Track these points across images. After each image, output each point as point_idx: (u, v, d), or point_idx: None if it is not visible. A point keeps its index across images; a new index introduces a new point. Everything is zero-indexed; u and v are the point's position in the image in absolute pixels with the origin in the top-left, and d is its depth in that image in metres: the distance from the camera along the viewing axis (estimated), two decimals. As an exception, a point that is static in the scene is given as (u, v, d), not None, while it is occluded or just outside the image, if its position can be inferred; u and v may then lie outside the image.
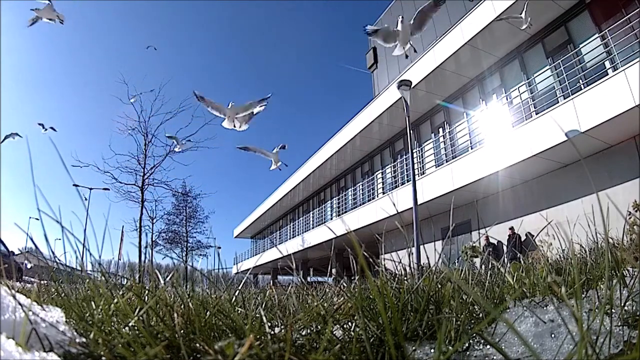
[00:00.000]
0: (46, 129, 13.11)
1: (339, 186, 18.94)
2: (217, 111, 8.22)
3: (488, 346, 0.70)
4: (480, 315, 0.87)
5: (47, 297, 1.14)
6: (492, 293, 1.06)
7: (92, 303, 0.82)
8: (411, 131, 8.63)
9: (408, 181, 11.98)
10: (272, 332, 0.68)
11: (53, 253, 0.97)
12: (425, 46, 11.49)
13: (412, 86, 8.62)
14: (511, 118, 9.65)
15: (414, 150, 9.42)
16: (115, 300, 0.77)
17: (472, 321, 0.83)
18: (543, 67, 9.35)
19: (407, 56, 7.67)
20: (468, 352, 0.70)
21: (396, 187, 13.36)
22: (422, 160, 12.84)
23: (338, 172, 18.52)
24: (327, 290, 1.38)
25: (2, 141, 11.81)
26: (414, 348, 0.67)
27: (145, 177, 13.34)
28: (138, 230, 13.42)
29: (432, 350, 0.67)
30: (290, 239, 22.13)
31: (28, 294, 0.72)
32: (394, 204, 11.60)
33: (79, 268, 0.94)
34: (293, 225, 23.52)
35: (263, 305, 1.02)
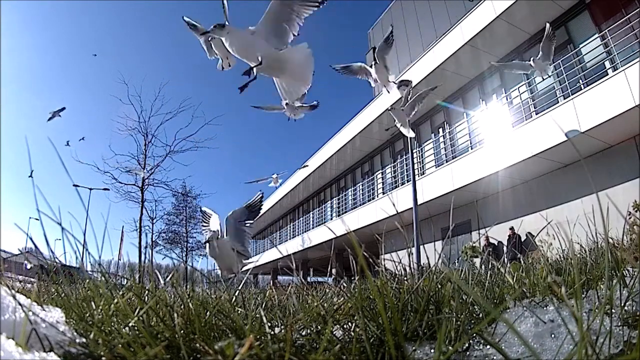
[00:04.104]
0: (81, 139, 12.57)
1: (339, 186, 18.93)
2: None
3: (488, 346, 0.70)
4: (480, 315, 0.87)
5: (47, 298, 1.14)
6: (492, 293, 1.06)
7: (92, 303, 0.82)
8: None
9: (408, 181, 11.98)
10: (272, 332, 0.68)
11: (53, 253, 0.97)
12: (425, 46, 11.49)
13: (411, 86, 8.62)
14: (511, 118, 9.65)
15: (414, 151, 9.42)
16: (115, 301, 0.77)
17: (472, 321, 0.83)
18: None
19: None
20: (468, 352, 0.70)
21: (396, 187, 13.36)
22: (422, 160, 12.84)
23: (338, 173, 18.51)
24: (327, 290, 1.38)
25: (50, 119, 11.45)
26: (414, 348, 0.67)
27: (145, 177, 13.35)
28: (138, 230, 13.44)
29: (432, 351, 0.67)
30: (290, 239, 22.13)
31: (28, 294, 0.72)
32: (394, 204, 11.60)
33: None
34: (293, 225, 23.51)
35: (263, 306, 1.02)
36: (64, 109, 11.92)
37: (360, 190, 16.38)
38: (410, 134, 7.81)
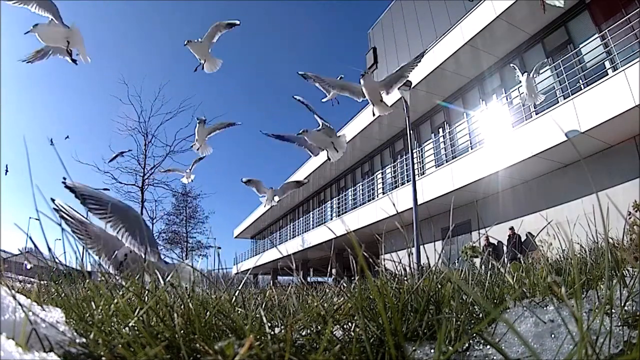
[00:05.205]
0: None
1: (339, 186, 18.93)
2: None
3: (488, 346, 0.70)
4: (480, 315, 0.87)
5: (47, 298, 1.14)
6: (492, 293, 1.06)
7: (92, 303, 0.82)
8: (411, 131, 8.63)
9: (408, 181, 11.98)
10: (272, 333, 0.68)
11: (52, 253, 0.97)
12: (425, 46, 11.49)
13: (412, 86, 8.61)
14: (511, 118, 9.65)
15: (414, 151, 9.42)
16: (115, 301, 0.77)
17: (472, 321, 0.83)
18: (543, 67, 9.36)
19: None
20: (468, 352, 0.70)
21: (396, 187, 13.36)
22: (422, 160, 12.84)
23: (338, 173, 18.51)
24: (327, 290, 1.38)
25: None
26: (414, 348, 0.67)
27: (145, 177, 13.37)
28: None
29: (432, 351, 0.67)
30: (290, 239, 22.13)
31: (28, 294, 0.72)
32: (394, 204, 11.59)
33: (78, 268, 0.94)
34: (293, 225, 23.52)
35: (263, 306, 1.02)
36: (130, 150, 12.25)
37: (360, 190, 16.38)
38: (335, 158, 7.48)
